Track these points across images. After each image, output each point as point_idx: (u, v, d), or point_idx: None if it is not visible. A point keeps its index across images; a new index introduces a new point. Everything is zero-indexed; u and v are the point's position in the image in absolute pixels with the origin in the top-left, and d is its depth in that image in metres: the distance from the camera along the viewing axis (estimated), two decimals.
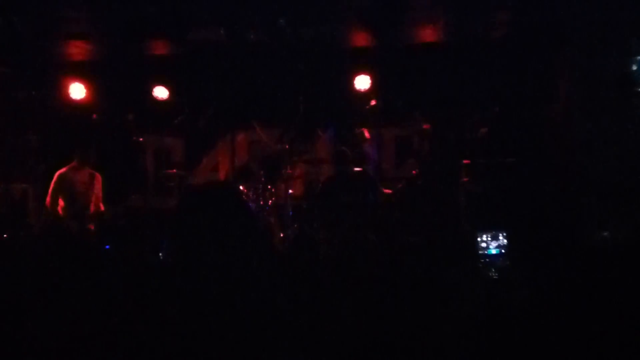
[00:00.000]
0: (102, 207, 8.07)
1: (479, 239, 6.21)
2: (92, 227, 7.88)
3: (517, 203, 7.66)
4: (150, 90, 9.46)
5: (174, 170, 9.11)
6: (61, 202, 7.94)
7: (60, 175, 7.94)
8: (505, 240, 6.19)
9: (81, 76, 9.38)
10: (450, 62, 8.91)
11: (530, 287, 3.22)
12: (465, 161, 8.46)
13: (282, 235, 8.24)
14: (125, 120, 8.79)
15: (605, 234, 6.91)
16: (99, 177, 8.13)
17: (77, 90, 9.42)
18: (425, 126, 9.07)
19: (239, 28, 8.22)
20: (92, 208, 7.98)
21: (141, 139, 8.88)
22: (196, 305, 2.37)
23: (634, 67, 7.81)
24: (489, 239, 6.26)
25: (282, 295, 2.61)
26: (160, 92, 9.60)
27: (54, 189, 7.92)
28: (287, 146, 8.87)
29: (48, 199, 7.94)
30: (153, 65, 9.41)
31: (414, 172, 8.63)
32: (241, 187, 8.38)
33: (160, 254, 7.45)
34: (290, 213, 8.43)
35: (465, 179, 8.36)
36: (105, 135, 9.15)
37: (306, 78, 9.09)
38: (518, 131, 8.68)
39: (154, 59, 9.36)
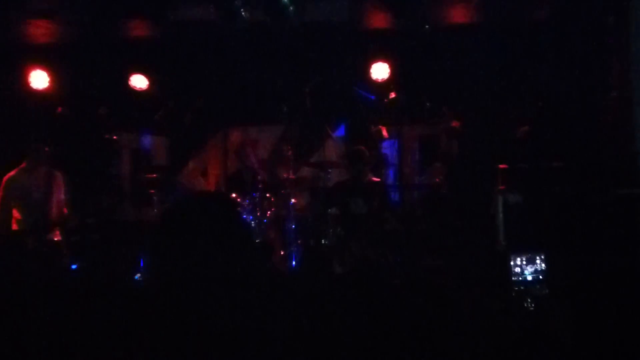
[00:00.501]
0: (66, 211, 8.01)
1: (512, 262, 6.18)
2: (56, 237, 7.85)
3: (562, 217, 7.56)
4: (127, 79, 9.55)
5: (155, 175, 8.99)
6: (15, 214, 7.83)
7: (9, 181, 7.82)
8: (543, 264, 6.16)
9: (44, 62, 9.45)
10: (485, 48, 9.05)
11: (572, 321, 3.27)
12: (501, 166, 8.22)
13: (282, 252, 8.35)
14: (97, 115, 8.90)
15: None
16: (59, 177, 8.04)
17: (39, 79, 9.48)
18: (455, 123, 9.07)
19: (232, 5, 8.24)
20: (53, 213, 7.90)
21: (115, 137, 9.00)
22: (179, 337, 2.39)
23: None
24: (524, 262, 6.21)
25: (283, 324, 2.68)
26: (139, 82, 9.67)
27: (2, 198, 7.79)
28: (289, 147, 8.90)
29: None
30: (130, 50, 9.52)
31: (437, 179, 8.76)
32: (234, 196, 8.48)
33: (137, 275, 7.61)
34: (293, 226, 8.48)
35: (501, 187, 8.12)
36: (72, 133, 9.16)
37: (313, 66, 9.23)
38: (565, 129, 8.65)
39: (131, 42, 9.46)
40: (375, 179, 8.53)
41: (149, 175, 8.97)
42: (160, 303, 2.40)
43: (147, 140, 10.09)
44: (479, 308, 3.64)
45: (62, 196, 8.07)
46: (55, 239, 7.89)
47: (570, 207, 7.63)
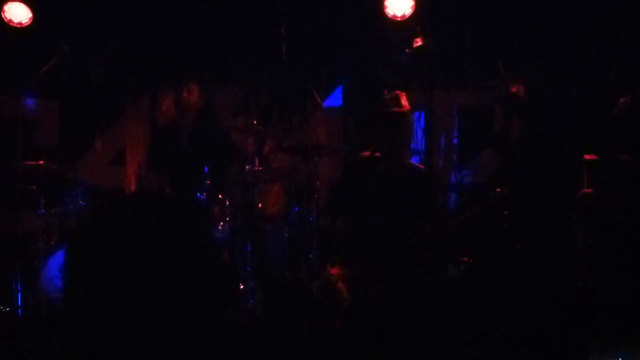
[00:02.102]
0: None
1: None
2: None
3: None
4: None
5: (41, 162, 8.08)
6: None
7: None
8: None
9: None
10: None
11: None
12: (587, 156, 7.47)
13: (242, 286, 7.50)
14: None
15: None
16: None
17: None
18: (515, 88, 8.05)
19: None
20: None
21: None
22: None
23: None
24: None
25: None
26: (17, 13, 8.56)
27: None
28: (254, 122, 7.97)
29: None
30: None
31: (498, 190, 7.76)
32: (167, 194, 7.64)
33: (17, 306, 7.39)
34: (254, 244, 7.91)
35: (586, 190, 7.35)
36: None
37: None
38: None
39: None
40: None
41: (29, 163, 8.04)
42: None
43: (29, 106, 8.82)
44: None
45: None
46: None
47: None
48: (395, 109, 8.10)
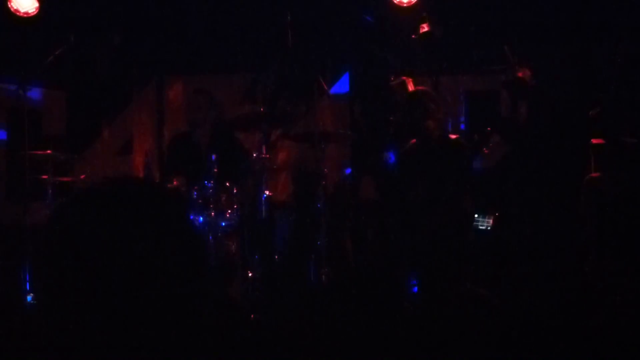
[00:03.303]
0: None
1: None
2: None
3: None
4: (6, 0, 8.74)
5: (49, 151, 8.08)
6: None
7: None
8: None
9: None
10: None
11: None
12: (595, 140, 7.57)
13: (250, 274, 7.48)
14: None
15: None
16: None
17: None
18: (523, 73, 8.13)
19: None
20: None
21: None
22: None
23: None
24: None
25: None
26: (22, 3, 8.56)
27: None
28: (260, 109, 8.10)
29: None
30: None
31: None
32: (175, 183, 7.68)
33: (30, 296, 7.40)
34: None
35: (593, 174, 7.47)
36: None
37: None
38: None
39: None
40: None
41: (38, 152, 8.06)
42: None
43: (36, 96, 8.93)
44: None
45: None
46: None
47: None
48: (402, 92, 8.26)
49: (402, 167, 7.90)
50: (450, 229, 7.35)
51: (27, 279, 7.50)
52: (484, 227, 7.49)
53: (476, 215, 7.39)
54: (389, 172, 8.32)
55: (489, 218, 7.58)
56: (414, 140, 7.74)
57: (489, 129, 8.38)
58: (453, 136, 7.98)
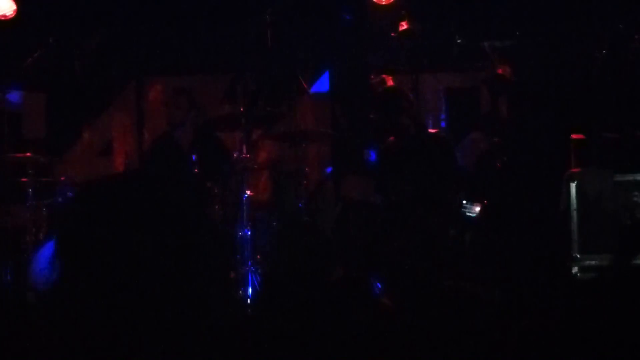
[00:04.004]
0: None
1: None
2: None
3: None
4: None
5: (28, 154, 8.10)
6: None
7: None
8: None
9: None
10: None
11: None
12: (574, 135, 7.64)
13: (232, 275, 7.48)
14: None
15: None
16: None
17: None
18: (502, 70, 8.23)
19: None
20: None
21: None
22: None
23: None
24: None
25: None
26: (2, 5, 8.48)
27: None
28: (242, 109, 7.87)
29: None
30: None
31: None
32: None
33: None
34: (247, 232, 7.55)
35: (573, 170, 7.47)
36: None
37: None
38: None
39: None
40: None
41: (18, 155, 8.15)
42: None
43: (15, 98, 8.98)
44: None
45: None
46: None
47: None
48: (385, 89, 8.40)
49: (382, 164, 7.90)
50: (435, 224, 7.38)
51: (10, 279, 7.45)
52: (471, 215, 7.45)
53: (464, 202, 7.40)
54: (371, 170, 8.20)
55: (476, 205, 7.47)
56: (392, 138, 7.73)
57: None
58: (432, 130, 7.96)
